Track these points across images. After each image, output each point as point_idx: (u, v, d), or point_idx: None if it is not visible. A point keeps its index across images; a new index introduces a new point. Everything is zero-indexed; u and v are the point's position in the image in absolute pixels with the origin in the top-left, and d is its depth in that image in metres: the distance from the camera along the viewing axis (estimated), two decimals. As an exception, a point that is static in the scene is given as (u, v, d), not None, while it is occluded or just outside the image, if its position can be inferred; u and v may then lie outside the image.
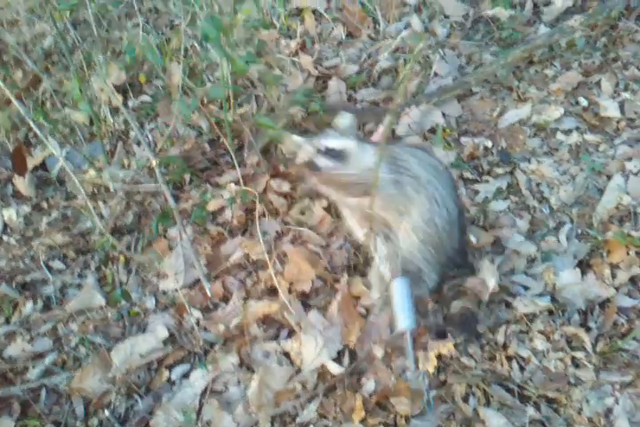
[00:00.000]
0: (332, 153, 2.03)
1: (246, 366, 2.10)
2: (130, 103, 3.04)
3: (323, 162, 2.03)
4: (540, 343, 2.06)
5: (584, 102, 2.85)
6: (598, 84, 2.91)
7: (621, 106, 2.80)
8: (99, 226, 2.08)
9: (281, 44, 3.24)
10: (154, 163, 2.27)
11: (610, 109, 2.79)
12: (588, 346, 2.02)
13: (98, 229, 2.18)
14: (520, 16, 3.21)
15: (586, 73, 2.96)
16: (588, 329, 2.09)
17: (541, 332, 2.09)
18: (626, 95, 2.83)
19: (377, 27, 3.31)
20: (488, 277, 2.17)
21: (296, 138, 2.15)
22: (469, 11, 3.34)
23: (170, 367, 2.14)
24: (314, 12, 3.34)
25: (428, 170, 2.14)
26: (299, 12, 3.38)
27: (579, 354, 2.02)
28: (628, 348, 2.01)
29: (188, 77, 3.04)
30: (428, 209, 2.10)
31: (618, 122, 2.77)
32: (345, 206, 2.25)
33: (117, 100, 2.60)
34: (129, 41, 3.12)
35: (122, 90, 3.09)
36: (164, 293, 2.37)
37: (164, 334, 2.18)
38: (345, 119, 2.11)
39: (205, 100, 2.95)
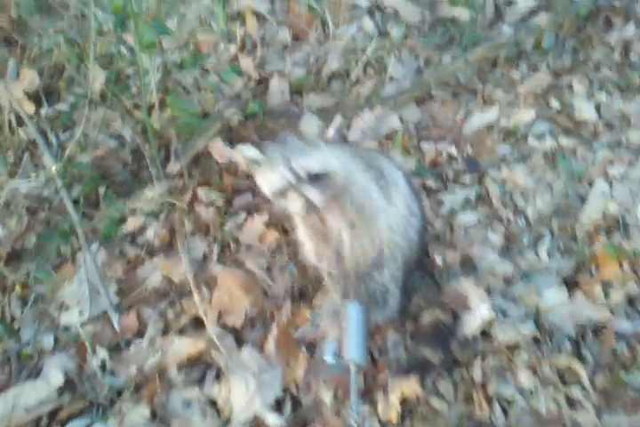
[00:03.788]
0: (317, 179, 1.50)
1: (160, 418, 1.66)
2: (43, 111, 2.64)
3: (315, 196, 1.51)
4: (525, 379, 1.68)
5: (556, 105, 2.56)
6: (570, 86, 2.64)
7: (597, 108, 2.52)
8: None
9: (220, 47, 2.92)
10: (54, 168, 1.86)
11: (585, 112, 2.51)
12: (585, 381, 1.65)
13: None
14: (481, 17, 2.95)
15: (556, 75, 2.69)
16: (583, 360, 1.72)
17: (526, 365, 1.71)
18: (601, 97, 2.55)
19: (326, 30, 3.00)
20: (476, 304, 1.81)
21: (251, 151, 1.58)
22: (426, 14, 3.06)
23: (63, 423, 1.68)
24: (256, 14, 3.02)
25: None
26: (240, 15, 3.06)
27: (574, 391, 1.64)
28: (634, 382, 1.64)
29: (114, 84, 2.68)
30: (402, 216, 1.72)
31: (595, 125, 2.48)
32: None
33: (21, 108, 2.18)
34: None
35: (35, 97, 2.69)
36: (66, 328, 1.92)
37: (58, 380, 1.73)
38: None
39: (130, 107, 2.58)
